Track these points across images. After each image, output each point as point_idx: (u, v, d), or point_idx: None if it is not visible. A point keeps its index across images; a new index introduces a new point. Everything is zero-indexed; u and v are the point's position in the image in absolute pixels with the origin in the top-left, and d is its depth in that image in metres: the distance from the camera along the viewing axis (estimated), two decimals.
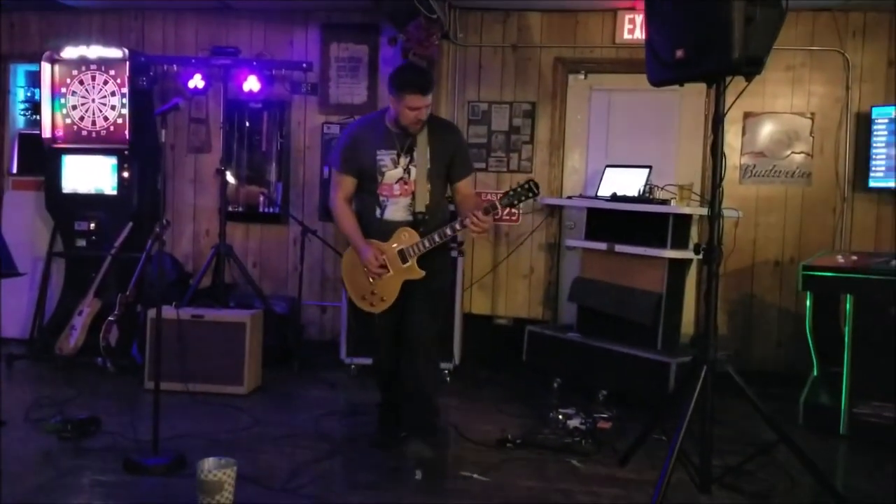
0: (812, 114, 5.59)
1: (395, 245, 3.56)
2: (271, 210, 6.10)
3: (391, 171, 3.58)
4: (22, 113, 6.44)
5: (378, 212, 3.63)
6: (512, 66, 5.92)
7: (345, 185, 3.69)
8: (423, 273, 3.55)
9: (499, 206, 3.36)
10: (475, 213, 3.38)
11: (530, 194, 3.40)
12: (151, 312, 4.45)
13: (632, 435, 3.79)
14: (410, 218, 3.60)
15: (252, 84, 5.57)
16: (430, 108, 3.53)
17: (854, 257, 4.52)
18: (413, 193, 3.57)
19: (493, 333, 5.87)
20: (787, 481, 3.51)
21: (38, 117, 5.96)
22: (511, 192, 3.41)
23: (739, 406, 3.70)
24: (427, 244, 3.52)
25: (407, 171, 3.57)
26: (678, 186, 4.84)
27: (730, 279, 5.57)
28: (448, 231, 3.50)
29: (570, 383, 5.07)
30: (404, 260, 3.55)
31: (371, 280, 3.60)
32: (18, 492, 3.18)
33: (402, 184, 3.58)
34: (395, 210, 3.61)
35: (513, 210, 5.59)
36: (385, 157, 3.58)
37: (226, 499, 3.03)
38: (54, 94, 5.72)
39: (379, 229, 3.62)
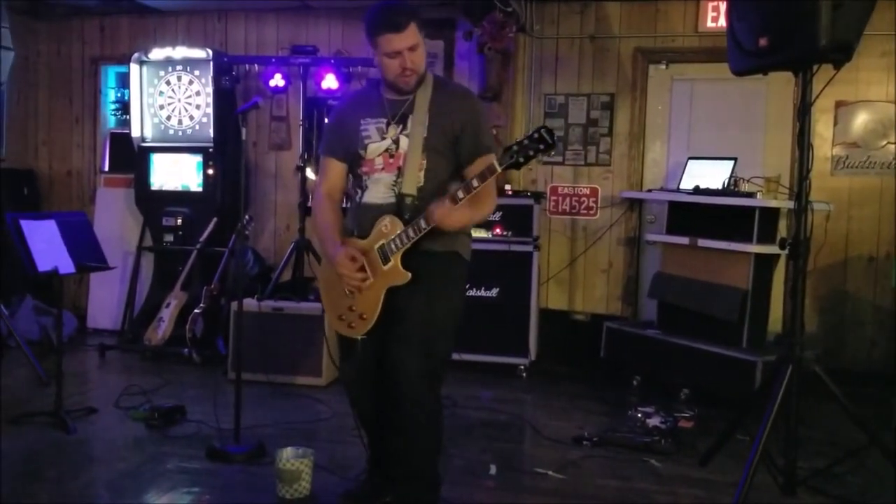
0: None
1: (377, 242, 2.66)
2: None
3: (375, 144, 2.71)
4: (112, 113, 6.71)
5: (359, 195, 2.78)
6: (590, 58, 5.82)
7: (329, 172, 2.86)
8: (408, 275, 2.62)
9: (498, 168, 2.48)
10: (443, 200, 2.54)
11: (541, 146, 2.45)
12: (234, 305, 4.57)
13: (714, 435, 3.68)
14: (392, 200, 2.67)
15: (330, 82, 5.64)
16: (420, 51, 2.65)
17: None
18: (400, 169, 2.66)
19: (571, 329, 5.80)
20: (877, 486, 3.35)
21: (127, 117, 6.20)
22: (515, 148, 2.48)
23: (828, 407, 3.54)
24: (412, 234, 2.59)
25: (396, 142, 2.68)
26: (765, 179, 4.70)
27: (821, 274, 5.35)
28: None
29: (649, 381, 4.96)
30: (385, 259, 2.64)
31: (348, 292, 2.70)
32: (107, 476, 3.33)
33: (387, 156, 2.69)
34: (375, 190, 2.72)
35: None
36: (369, 126, 2.72)
37: (303, 488, 3.10)
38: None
39: (358, 218, 2.77)
